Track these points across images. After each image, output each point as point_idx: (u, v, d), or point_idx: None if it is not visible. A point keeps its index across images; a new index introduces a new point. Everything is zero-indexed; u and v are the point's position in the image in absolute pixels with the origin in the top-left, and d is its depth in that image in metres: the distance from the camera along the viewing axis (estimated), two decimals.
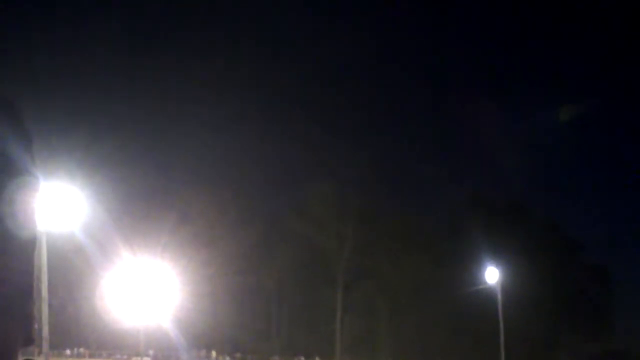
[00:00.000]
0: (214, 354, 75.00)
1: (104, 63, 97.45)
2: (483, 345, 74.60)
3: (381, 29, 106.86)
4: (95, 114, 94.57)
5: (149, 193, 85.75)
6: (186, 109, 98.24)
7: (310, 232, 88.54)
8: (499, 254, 72.94)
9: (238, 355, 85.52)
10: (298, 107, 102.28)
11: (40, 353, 29.11)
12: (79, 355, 75.70)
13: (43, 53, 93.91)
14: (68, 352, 74.54)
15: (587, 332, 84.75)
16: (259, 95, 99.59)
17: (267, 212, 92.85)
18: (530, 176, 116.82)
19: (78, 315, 67.45)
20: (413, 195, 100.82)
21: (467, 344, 78.37)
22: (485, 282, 73.64)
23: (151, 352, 78.05)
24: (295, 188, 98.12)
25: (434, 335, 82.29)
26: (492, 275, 72.83)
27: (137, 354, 74.70)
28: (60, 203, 35.13)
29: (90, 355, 76.90)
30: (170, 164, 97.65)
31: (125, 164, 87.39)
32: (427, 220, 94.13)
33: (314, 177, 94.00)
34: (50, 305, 32.30)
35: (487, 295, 73.30)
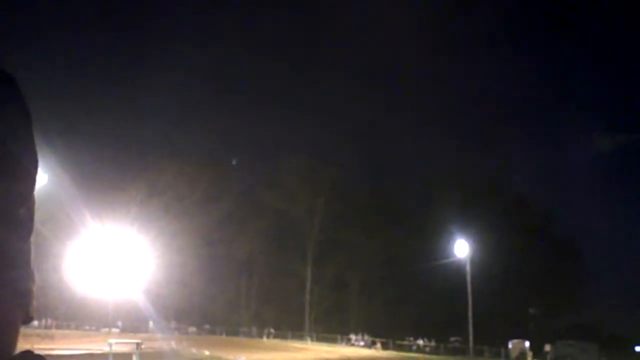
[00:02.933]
0: (150, 324, 74.23)
1: (79, 32, 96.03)
2: (452, 317, 75.22)
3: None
4: (63, 84, 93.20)
5: (118, 164, 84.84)
6: (158, 81, 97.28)
7: (281, 204, 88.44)
8: (470, 228, 73.42)
9: (207, 326, 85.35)
10: (271, 81, 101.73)
11: None
12: (46, 326, 74.91)
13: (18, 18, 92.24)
14: (36, 323, 73.73)
15: (555, 306, 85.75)
16: (231, 69, 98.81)
17: (238, 184, 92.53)
18: (503, 152, 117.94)
19: (45, 286, 66.75)
20: (386, 170, 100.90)
21: (436, 317, 78.97)
22: (455, 256, 74.16)
23: (120, 323, 77.58)
24: (267, 161, 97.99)
25: (404, 307, 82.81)
26: (461, 248, 73.38)
27: (106, 326, 74.30)
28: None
29: (58, 327, 76.24)
30: (141, 135, 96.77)
31: (95, 135, 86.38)
32: (399, 194, 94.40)
33: (286, 150, 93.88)
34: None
35: (457, 268, 73.84)
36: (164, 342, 53.94)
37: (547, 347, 69.67)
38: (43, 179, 44.75)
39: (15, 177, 0.82)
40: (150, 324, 72.51)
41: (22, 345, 0.89)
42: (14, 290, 0.85)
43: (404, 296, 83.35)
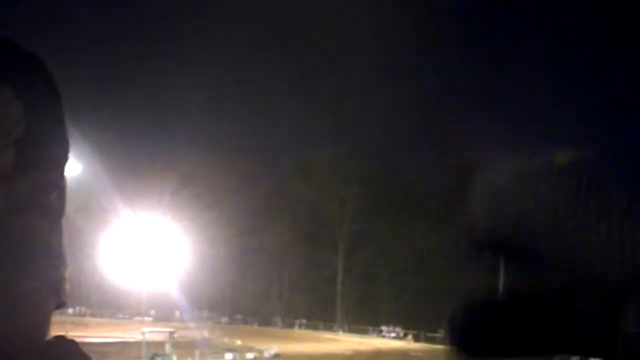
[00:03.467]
0: (182, 313, 74.50)
1: (109, 17, 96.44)
2: None
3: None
4: (95, 74, 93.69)
5: (150, 154, 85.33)
6: (189, 70, 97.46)
7: (312, 196, 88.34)
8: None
9: (239, 316, 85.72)
10: (302, 70, 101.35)
11: None
12: (80, 314, 75.82)
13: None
14: (70, 311, 74.67)
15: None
16: (263, 57, 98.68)
17: (269, 175, 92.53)
18: (535, 144, 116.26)
19: (79, 275, 67.48)
20: (417, 160, 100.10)
21: None
22: None
23: (152, 312, 78.20)
24: (298, 152, 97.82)
25: (436, 300, 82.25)
26: None
27: (139, 314, 74.94)
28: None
29: (92, 315, 77.09)
30: (172, 124, 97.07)
31: (127, 125, 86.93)
32: (430, 185, 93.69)
33: (317, 141, 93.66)
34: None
35: (489, 262, 73.24)
36: (196, 331, 54.21)
37: None
38: (77, 168, 45.15)
39: (43, 165, 0.88)
40: (183, 313, 72.99)
41: (55, 333, 0.94)
42: (47, 276, 0.87)
43: (435, 288, 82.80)
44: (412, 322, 76.32)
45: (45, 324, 0.86)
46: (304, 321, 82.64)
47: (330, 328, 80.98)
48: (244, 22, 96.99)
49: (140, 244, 62.66)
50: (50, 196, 0.89)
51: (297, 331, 76.73)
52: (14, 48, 0.92)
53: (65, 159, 0.85)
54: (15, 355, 0.84)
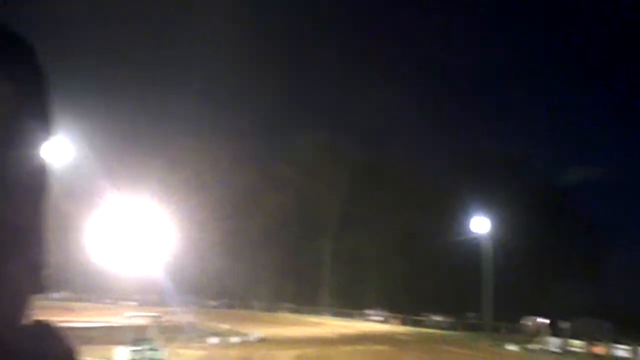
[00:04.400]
0: (168, 297, 74.21)
1: (98, 6, 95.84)
2: (469, 294, 75.13)
3: None
4: (85, 59, 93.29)
5: (138, 139, 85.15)
6: (178, 57, 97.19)
7: (301, 179, 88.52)
8: (489, 205, 73.08)
9: (225, 300, 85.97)
10: (292, 54, 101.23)
11: None
12: (65, 299, 75.81)
13: None
14: (56, 295, 74.70)
15: (575, 284, 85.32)
16: (251, 42, 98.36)
17: (257, 159, 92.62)
18: (526, 130, 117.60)
19: (66, 259, 67.40)
20: (407, 146, 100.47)
21: (453, 293, 78.91)
22: (473, 232, 73.93)
23: (138, 296, 78.27)
24: (287, 136, 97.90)
25: (421, 283, 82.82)
26: (481, 225, 73.14)
27: (125, 299, 75.03)
28: (45, 147, 34.65)
29: (78, 300, 77.13)
30: (161, 110, 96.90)
31: (115, 110, 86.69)
32: (419, 170, 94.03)
33: (307, 125, 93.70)
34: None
35: (475, 245, 73.66)
36: (182, 315, 54.36)
37: (564, 324, 69.45)
38: (65, 152, 45.14)
39: (27, 144, 0.89)
40: (168, 297, 73.08)
41: (40, 317, 0.95)
42: (27, 260, 0.89)
43: (421, 272, 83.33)
44: (398, 305, 76.78)
45: (24, 309, 0.89)
46: (290, 305, 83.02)
47: (316, 312, 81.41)
48: (237, 12, 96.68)
49: (127, 228, 62.61)
50: (33, 177, 0.89)
51: (283, 315, 77.08)
52: (1, 29, 0.92)
53: (49, 138, 0.87)
54: None
